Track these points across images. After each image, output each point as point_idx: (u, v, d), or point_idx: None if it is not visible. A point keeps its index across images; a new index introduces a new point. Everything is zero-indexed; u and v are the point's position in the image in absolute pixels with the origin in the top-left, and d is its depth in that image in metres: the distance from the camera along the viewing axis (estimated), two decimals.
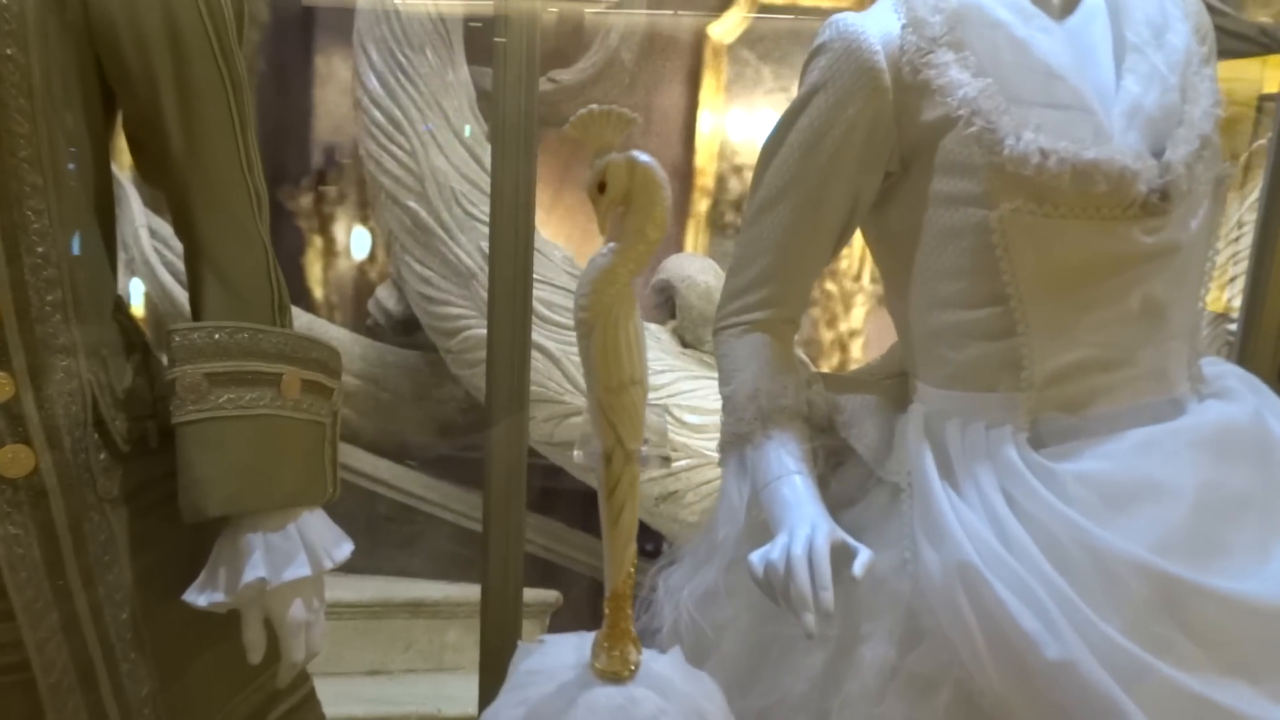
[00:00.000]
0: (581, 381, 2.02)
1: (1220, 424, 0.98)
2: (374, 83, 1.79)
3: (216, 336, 1.16)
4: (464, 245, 1.85)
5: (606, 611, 0.62)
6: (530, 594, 1.93)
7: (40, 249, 1.07)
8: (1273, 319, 1.75)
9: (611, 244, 0.57)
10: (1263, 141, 1.69)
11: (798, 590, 0.88)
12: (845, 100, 0.99)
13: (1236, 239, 1.83)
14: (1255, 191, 1.73)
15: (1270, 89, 2.07)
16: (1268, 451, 0.97)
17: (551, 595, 2.21)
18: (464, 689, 1.96)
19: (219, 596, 1.13)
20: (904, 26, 0.98)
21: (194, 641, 1.23)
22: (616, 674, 0.62)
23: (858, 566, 0.91)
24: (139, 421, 1.19)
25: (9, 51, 1.00)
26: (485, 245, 1.78)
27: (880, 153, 1.02)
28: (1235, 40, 1.69)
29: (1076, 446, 0.96)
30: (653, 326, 1.98)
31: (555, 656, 0.65)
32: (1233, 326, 1.80)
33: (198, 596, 1.16)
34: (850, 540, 0.94)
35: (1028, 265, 0.95)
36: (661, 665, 0.65)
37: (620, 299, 0.59)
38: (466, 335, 1.87)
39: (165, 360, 1.18)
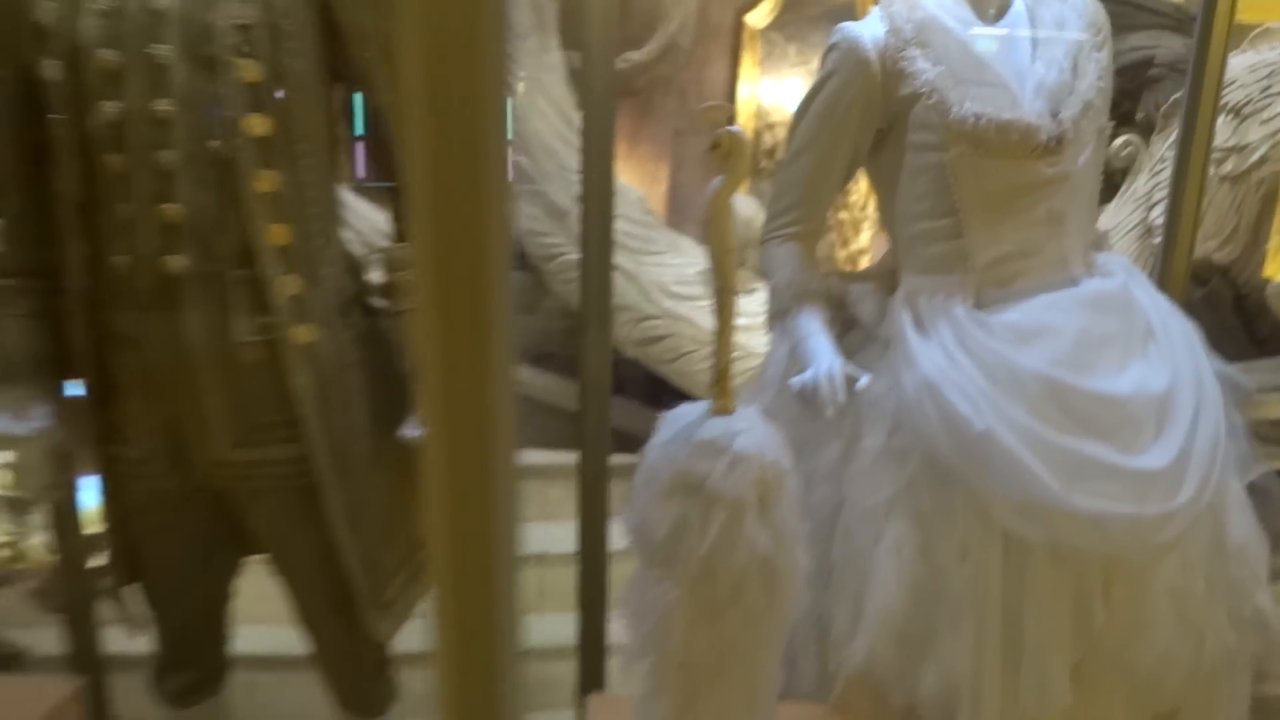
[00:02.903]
0: (651, 293, 2.48)
1: (1098, 291, 1.47)
2: None
3: None
4: (559, 191, 2.30)
5: (718, 378, 1.11)
6: (615, 459, 2.41)
7: (310, 196, 1.55)
8: (1187, 230, 2.18)
9: (720, 177, 1.06)
10: (1178, 95, 2.13)
11: (823, 395, 1.38)
12: (849, 82, 1.48)
13: (1159, 171, 2.27)
14: (1174, 134, 2.17)
15: None
16: (1128, 308, 1.46)
17: (630, 459, 2.64)
18: (564, 535, 2.44)
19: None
20: (887, 32, 1.46)
21: (397, 469, 1.72)
22: (724, 409, 1.12)
23: (860, 383, 1.41)
24: (364, 312, 1.68)
25: (299, 66, 1.48)
26: (576, 190, 2.21)
27: (873, 117, 1.50)
28: (1156, 16, 2.12)
29: (1003, 307, 1.46)
30: (704, 248, 2.42)
31: (689, 409, 1.15)
32: (1156, 241, 2.23)
33: (412, 431, 1.66)
34: (855, 369, 1.45)
35: (968, 190, 1.44)
36: (749, 411, 1.15)
37: (725, 207, 1.07)
38: (563, 260, 2.30)
39: (383, 269, 1.67)
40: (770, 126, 2.80)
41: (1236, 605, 1.39)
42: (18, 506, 2.44)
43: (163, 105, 1.42)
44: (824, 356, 1.45)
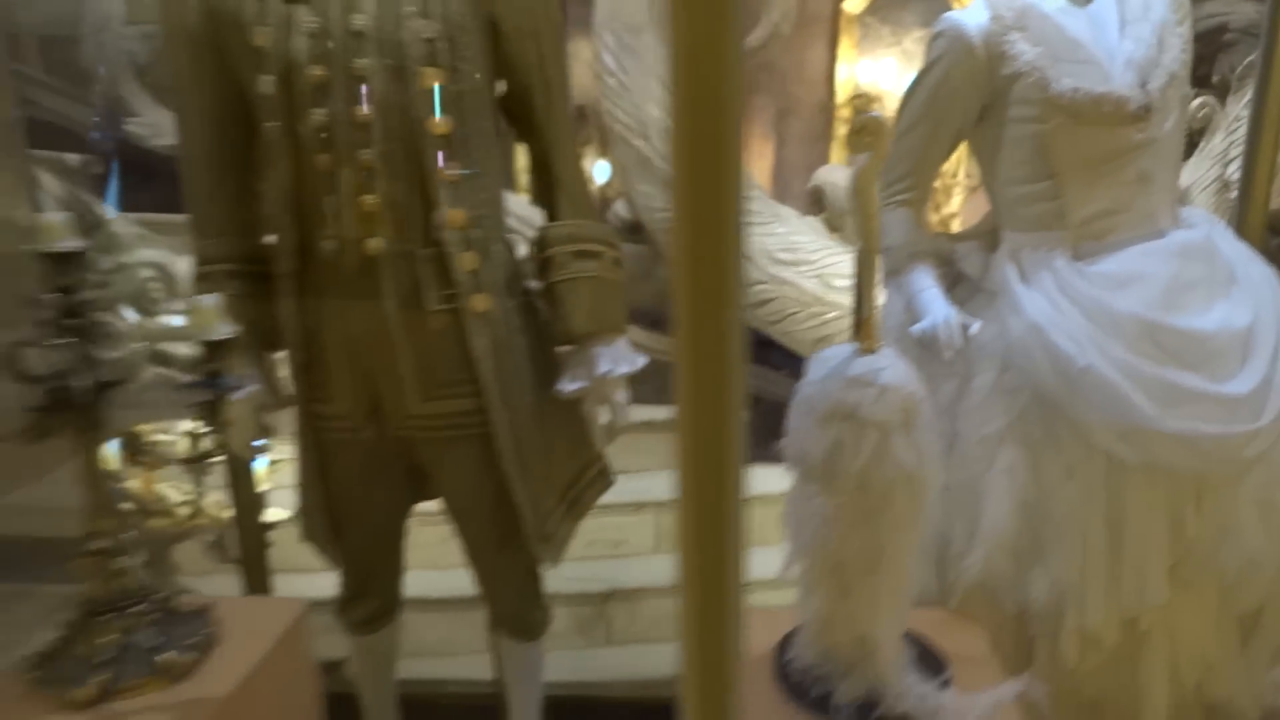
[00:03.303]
0: (758, 260, 2.68)
1: (1184, 241, 1.65)
2: (609, 59, 2.40)
3: (570, 229, 1.87)
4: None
5: (862, 324, 1.32)
6: None
7: (482, 184, 1.78)
8: (1261, 184, 2.31)
9: (864, 155, 1.26)
10: (1252, 58, 2.27)
11: (942, 340, 1.59)
12: (956, 65, 1.67)
13: (1234, 130, 2.41)
14: (1247, 95, 2.31)
15: None
16: (1211, 256, 1.64)
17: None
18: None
19: (582, 383, 1.85)
20: (990, 18, 1.65)
21: (559, 419, 1.96)
22: (869, 349, 1.33)
23: (972, 329, 1.62)
24: (522, 285, 1.91)
25: (476, 76, 1.71)
26: None
27: (977, 95, 1.69)
28: None
29: (1098, 258, 1.65)
30: (809, 218, 2.63)
31: (835, 351, 1.36)
32: (1233, 195, 2.38)
33: (567, 385, 1.88)
34: (967, 317, 1.65)
35: (1065, 156, 1.63)
36: (889, 351, 1.36)
37: (871, 179, 1.28)
38: None
39: (537, 245, 1.89)
40: (867, 104, 3.00)
41: None
42: (197, 469, 2.74)
43: (363, 111, 1.65)
44: (939, 307, 1.65)
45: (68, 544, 1.55)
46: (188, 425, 2.82)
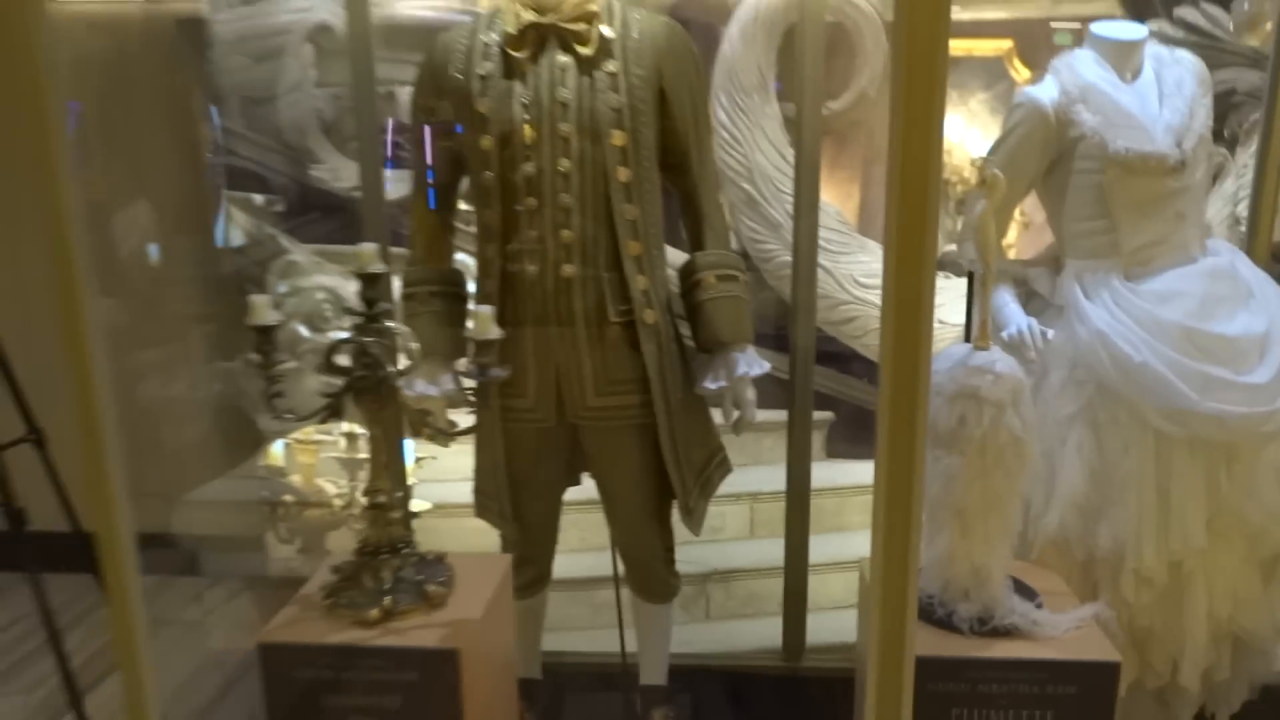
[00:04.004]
0: (845, 284, 3.10)
1: (1213, 266, 2.11)
2: (722, 115, 2.78)
3: (715, 257, 2.27)
4: (775, 209, 2.88)
5: (978, 322, 1.75)
6: (816, 415, 2.97)
7: (651, 221, 2.18)
8: (1266, 220, 2.69)
9: (983, 200, 1.71)
10: (1256, 116, 2.75)
11: (1026, 343, 2.03)
12: (1033, 130, 2.13)
13: (1242, 175, 2.87)
14: (1253, 146, 2.78)
15: None
16: (1233, 277, 2.10)
17: (828, 415, 3.20)
18: (774, 476, 3.04)
19: (721, 383, 2.24)
20: (1060, 92, 2.11)
21: (697, 413, 2.37)
22: (984, 347, 1.77)
23: (1050, 335, 2.06)
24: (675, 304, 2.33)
25: (649, 135, 2.14)
26: (789, 207, 2.77)
27: (1048, 151, 2.15)
28: (1237, 56, 2.74)
29: (1145, 279, 2.09)
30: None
31: (956, 349, 1.80)
32: (1242, 229, 2.84)
33: (711, 384, 2.29)
34: (1042, 327, 2.09)
35: (1119, 199, 2.08)
36: (997, 349, 1.79)
37: (989, 219, 1.73)
38: (777, 261, 2.90)
39: (686, 269, 2.30)
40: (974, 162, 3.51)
41: None
42: (351, 466, 3.16)
43: (564, 164, 2.08)
44: (1020, 318, 2.10)
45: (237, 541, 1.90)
46: (345, 427, 3.26)
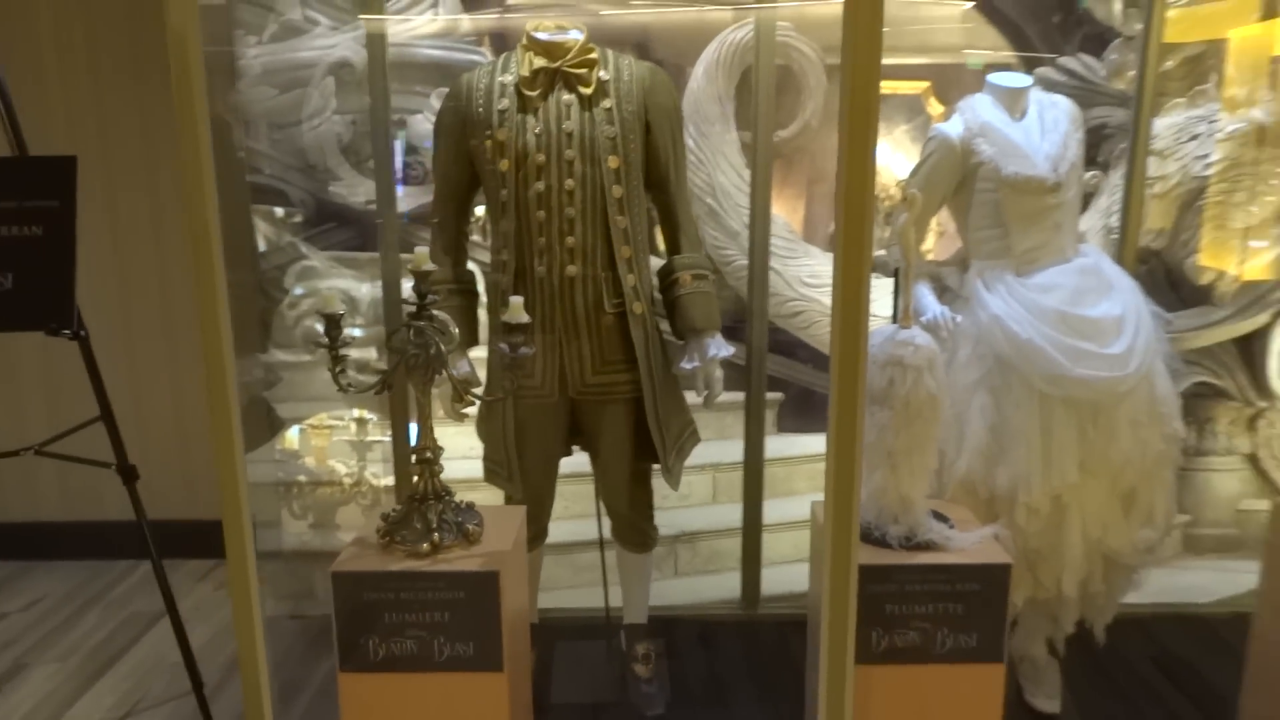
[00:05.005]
0: (793, 283, 3.60)
1: (1082, 265, 2.66)
2: (691, 142, 3.25)
3: (689, 259, 2.76)
4: (734, 220, 3.29)
5: (903, 314, 2.26)
6: (768, 396, 3.36)
7: (639, 229, 2.65)
8: (1133, 230, 3.21)
9: (905, 213, 2.22)
10: (1124, 145, 3.34)
11: (938, 325, 2.55)
12: (944, 158, 2.66)
13: (1114, 194, 3.46)
14: (1122, 169, 3.36)
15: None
16: (1099, 273, 2.65)
17: (779, 395, 3.47)
18: (733, 449, 3.43)
19: (695, 363, 2.72)
20: (964, 129, 2.65)
21: (674, 390, 2.83)
22: (906, 325, 2.27)
23: (957, 319, 2.59)
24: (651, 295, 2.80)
25: (636, 158, 2.61)
26: (745, 219, 3.18)
27: (956, 175, 2.68)
28: (1108, 97, 3.35)
29: (1032, 275, 2.63)
30: (829, 253, 3.52)
31: (886, 329, 2.29)
32: (1114, 237, 3.43)
33: (686, 365, 2.78)
34: (951, 313, 2.62)
35: (1011, 213, 2.63)
36: (915, 328, 2.30)
37: (910, 229, 2.23)
38: (736, 264, 3.30)
39: (664, 270, 2.78)
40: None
41: (1163, 428, 2.58)
42: (360, 449, 3.56)
43: (569, 183, 2.55)
44: (935, 306, 2.62)
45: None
46: (355, 413, 3.66)
